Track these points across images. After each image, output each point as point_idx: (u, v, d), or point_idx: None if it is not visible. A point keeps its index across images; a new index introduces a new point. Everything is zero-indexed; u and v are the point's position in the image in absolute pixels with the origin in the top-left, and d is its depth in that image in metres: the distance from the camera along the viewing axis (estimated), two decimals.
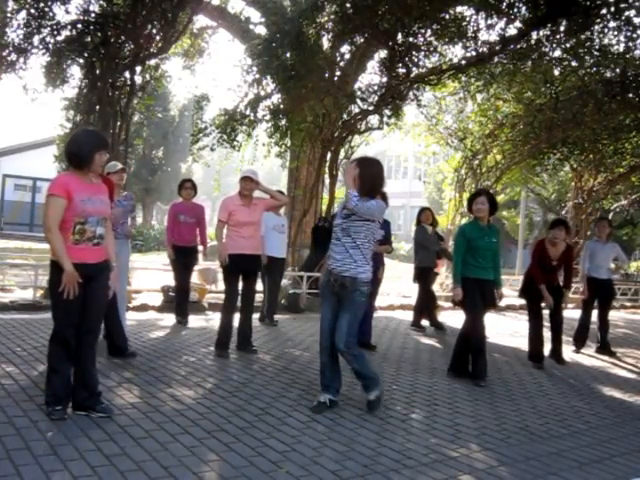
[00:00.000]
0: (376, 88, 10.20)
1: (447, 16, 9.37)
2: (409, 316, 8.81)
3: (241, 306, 5.72)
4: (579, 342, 7.46)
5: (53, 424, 3.28)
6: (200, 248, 7.31)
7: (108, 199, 3.69)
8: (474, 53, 9.76)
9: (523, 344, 7.36)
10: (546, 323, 6.44)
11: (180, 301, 7.21)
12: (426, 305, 8.19)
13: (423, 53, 10.00)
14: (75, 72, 9.54)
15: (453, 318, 8.59)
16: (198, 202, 7.43)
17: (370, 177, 4.01)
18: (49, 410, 3.42)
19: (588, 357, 7.20)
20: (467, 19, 9.44)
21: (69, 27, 8.53)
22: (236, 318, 5.69)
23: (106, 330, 5.00)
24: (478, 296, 5.16)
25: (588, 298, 7.33)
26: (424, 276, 8.10)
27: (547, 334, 6.45)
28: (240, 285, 5.62)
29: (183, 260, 7.07)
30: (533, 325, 6.40)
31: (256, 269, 5.78)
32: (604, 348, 7.44)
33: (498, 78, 11.03)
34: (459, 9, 9.51)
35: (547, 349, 6.43)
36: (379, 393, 4.14)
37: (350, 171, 4.04)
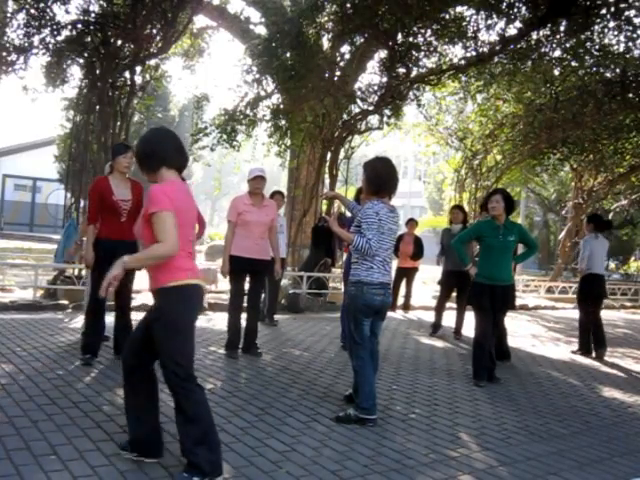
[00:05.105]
0: (376, 88, 10.21)
1: (447, 16, 9.38)
2: (409, 316, 8.82)
3: (247, 307, 5.67)
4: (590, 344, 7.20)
5: (53, 424, 3.28)
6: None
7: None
8: (474, 53, 9.76)
9: (521, 344, 7.38)
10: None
11: None
12: (442, 308, 7.82)
13: (423, 53, 10.01)
14: (75, 72, 9.57)
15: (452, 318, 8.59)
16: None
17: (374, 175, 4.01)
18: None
19: (588, 357, 7.19)
20: (467, 19, 9.45)
21: (69, 27, 8.52)
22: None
23: (116, 329, 4.92)
24: (486, 297, 5.15)
25: (586, 296, 7.09)
26: (447, 280, 7.62)
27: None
28: (247, 286, 5.60)
29: None
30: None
31: (262, 271, 5.59)
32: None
33: (498, 78, 11.05)
34: (459, 9, 9.52)
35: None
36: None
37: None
